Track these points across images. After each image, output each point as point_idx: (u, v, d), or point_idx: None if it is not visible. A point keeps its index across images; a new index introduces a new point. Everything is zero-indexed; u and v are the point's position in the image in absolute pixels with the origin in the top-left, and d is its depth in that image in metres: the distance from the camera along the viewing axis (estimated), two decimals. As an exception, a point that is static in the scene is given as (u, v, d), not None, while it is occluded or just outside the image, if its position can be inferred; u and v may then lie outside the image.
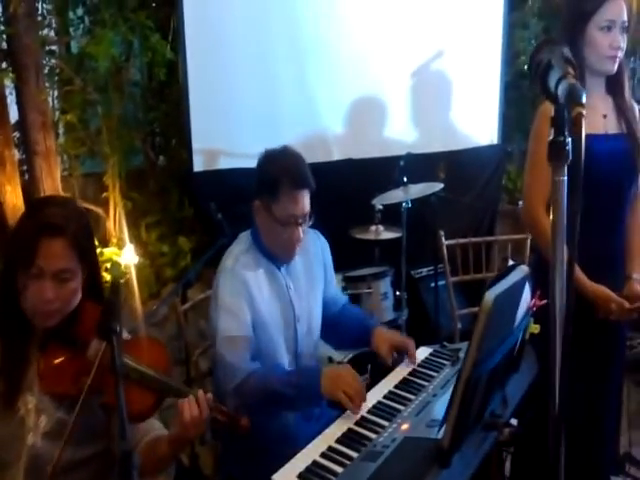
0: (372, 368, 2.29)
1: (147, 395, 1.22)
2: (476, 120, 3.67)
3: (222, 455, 1.81)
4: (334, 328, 1.87)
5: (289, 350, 1.72)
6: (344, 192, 3.10)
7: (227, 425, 1.27)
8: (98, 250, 2.94)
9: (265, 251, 1.70)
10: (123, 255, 2.88)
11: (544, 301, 1.35)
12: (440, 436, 1.15)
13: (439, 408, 1.37)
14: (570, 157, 0.89)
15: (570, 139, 0.89)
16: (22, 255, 1.19)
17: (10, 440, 1.22)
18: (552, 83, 0.94)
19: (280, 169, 1.63)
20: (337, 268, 1.95)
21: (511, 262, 1.51)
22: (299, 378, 1.55)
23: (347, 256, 2.34)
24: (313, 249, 1.81)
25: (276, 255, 1.70)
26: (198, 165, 2.97)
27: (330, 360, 2.24)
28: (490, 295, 1.07)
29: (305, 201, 1.63)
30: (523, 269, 1.26)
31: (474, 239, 2.54)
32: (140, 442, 1.27)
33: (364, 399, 1.45)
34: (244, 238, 1.74)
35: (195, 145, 2.93)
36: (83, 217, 1.30)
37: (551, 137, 0.90)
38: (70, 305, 1.26)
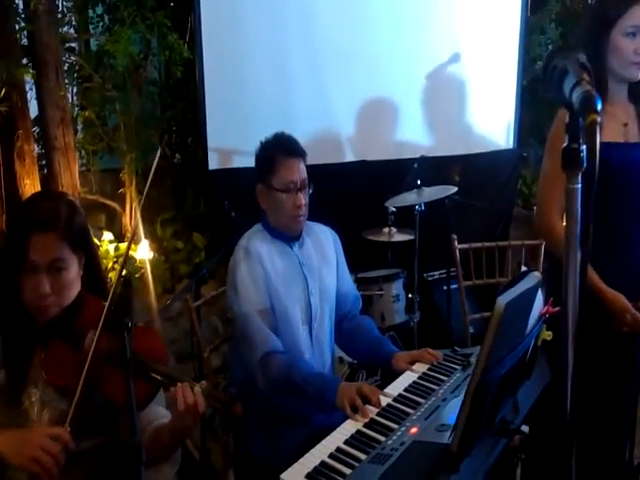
0: (383, 370, 2.29)
1: (142, 383, 1.22)
2: (492, 124, 3.65)
3: (240, 434, 1.84)
4: (351, 341, 1.93)
5: (305, 322, 1.79)
6: (357, 194, 3.10)
7: (221, 411, 1.27)
8: (114, 244, 2.99)
9: (275, 232, 1.80)
10: (138, 250, 2.91)
11: (557, 308, 1.35)
12: (449, 441, 1.15)
13: (449, 412, 1.36)
14: (584, 165, 0.88)
15: (585, 147, 0.88)
16: (15, 252, 1.21)
17: None
18: (567, 89, 0.93)
19: (272, 145, 1.79)
20: (349, 269, 1.97)
21: (524, 268, 1.50)
22: (319, 380, 1.61)
23: (359, 257, 2.34)
24: (324, 238, 1.91)
25: (285, 229, 1.79)
26: (213, 163, 3.00)
27: (340, 360, 2.25)
28: (502, 301, 1.06)
29: (301, 167, 1.76)
30: (535, 276, 1.25)
31: (487, 243, 2.51)
32: (145, 431, 1.27)
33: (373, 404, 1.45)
34: (256, 226, 1.87)
35: (210, 143, 2.96)
36: (75, 210, 1.30)
37: (565, 144, 0.89)
38: (67, 297, 1.27)
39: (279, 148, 1.76)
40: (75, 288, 1.28)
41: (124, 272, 1.27)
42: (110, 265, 2.88)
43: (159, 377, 1.24)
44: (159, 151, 1.30)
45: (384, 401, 1.48)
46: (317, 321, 1.82)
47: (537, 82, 3.91)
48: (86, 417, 1.20)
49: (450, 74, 3.45)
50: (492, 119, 3.64)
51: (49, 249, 1.22)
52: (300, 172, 1.75)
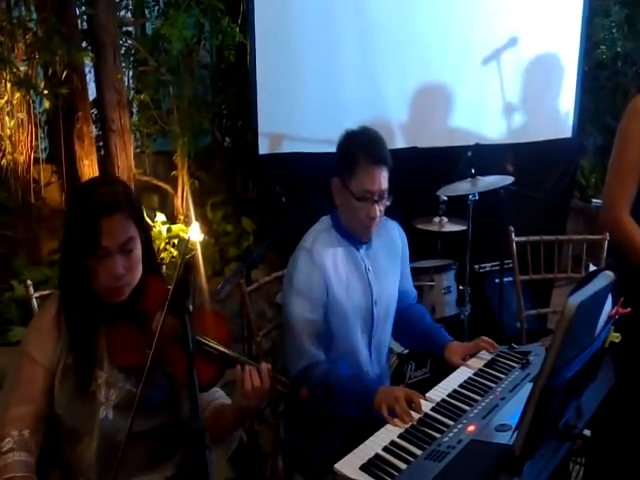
0: (432, 362, 2.26)
1: (209, 365, 1.23)
2: (550, 111, 3.52)
3: (288, 428, 1.83)
4: (403, 328, 1.89)
5: (364, 331, 1.73)
6: (408, 181, 3.00)
7: (286, 396, 1.26)
8: (166, 226, 3.04)
9: (344, 232, 1.72)
10: (189, 232, 2.96)
11: (627, 309, 1.29)
12: (511, 442, 1.12)
13: (508, 412, 1.33)
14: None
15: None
16: (86, 241, 1.21)
17: (83, 414, 1.26)
18: None
19: (357, 145, 1.65)
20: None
21: (592, 267, 1.44)
22: (358, 385, 1.56)
23: (408, 247, 2.30)
24: (394, 239, 1.84)
25: (354, 233, 1.71)
26: (263, 148, 3.00)
27: (390, 351, 2.23)
28: (573, 302, 1.02)
29: (382, 178, 1.63)
30: (608, 275, 1.19)
31: (546, 237, 2.42)
32: (204, 411, 1.29)
33: (408, 417, 1.38)
34: (325, 220, 1.77)
35: (261, 128, 2.96)
36: (130, 190, 1.32)
37: None
38: (136, 277, 1.28)
39: (363, 150, 1.62)
40: (140, 267, 1.30)
41: (175, 254, 1.27)
42: (162, 246, 2.93)
43: (225, 359, 1.25)
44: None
45: (426, 405, 1.41)
46: (378, 330, 1.76)
47: (599, 68, 3.73)
48: (150, 397, 1.22)
49: (506, 59, 3.33)
50: (551, 106, 3.50)
51: (120, 231, 1.23)
52: (380, 182, 1.62)
